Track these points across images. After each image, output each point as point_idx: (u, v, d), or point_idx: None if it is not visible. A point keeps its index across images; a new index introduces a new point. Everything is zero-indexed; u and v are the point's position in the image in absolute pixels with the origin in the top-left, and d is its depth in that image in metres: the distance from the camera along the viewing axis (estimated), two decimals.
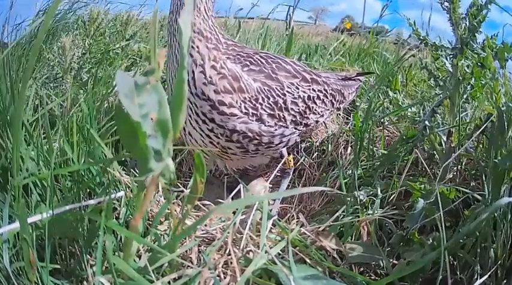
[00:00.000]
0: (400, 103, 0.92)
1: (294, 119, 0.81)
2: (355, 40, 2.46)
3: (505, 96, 0.68)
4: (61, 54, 1.05)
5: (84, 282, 0.52)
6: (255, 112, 0.75)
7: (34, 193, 0.60)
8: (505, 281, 0.55)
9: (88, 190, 0.64)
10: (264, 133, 0.77)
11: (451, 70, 0.74)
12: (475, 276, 0.55)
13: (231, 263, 0.51)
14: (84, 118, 0.72)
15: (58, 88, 1.06)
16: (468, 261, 0.57)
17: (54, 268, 0.52)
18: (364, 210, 0.66)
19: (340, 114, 1.15)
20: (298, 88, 0.81)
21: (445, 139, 0.76)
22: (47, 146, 0.65)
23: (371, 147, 0.90)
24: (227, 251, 0.53)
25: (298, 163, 1.00)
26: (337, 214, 0.66)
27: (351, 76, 1.12)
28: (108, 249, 0.45)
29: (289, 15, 2.23)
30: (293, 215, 0.70)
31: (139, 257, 0.51)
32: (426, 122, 0.76)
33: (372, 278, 0.60)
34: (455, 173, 0.74)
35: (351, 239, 0.64)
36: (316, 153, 1.03)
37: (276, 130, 0.78)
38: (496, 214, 0.55)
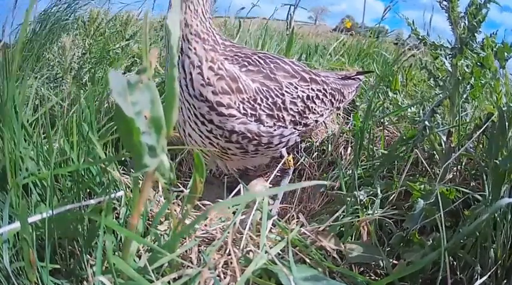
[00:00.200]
0: (400, 103, 0.92)
1: (293, 119, 0.81)
2: (355, 40, 2.45)
3: (505, 96, 0.68)
4: (61, 54, 1.05)
5: (84, 282, 0.52)
6: (254, 112, 0.75)
7: (34, 193, 0.60)
8: (505, 281, 0.55)
9: (88, 190, 0.64)
10: (263, 133, 0.77)
11: (451, 70, 0.74)
12: (475, 276, 0.55)
13: (231, 263, 0.51)
14: (84, 118, 0.72)
15: (58, 88, 1.06)
16: (468, 261, 0.57)
17: (54, 268, 0.52)
18: (364, 210, 0.66)
19: (340, 114, 1.15)
20: (297, 88, 0.81)
21: (445, 139, 0.76)
22: (47, 146, 0.65)
23: (371, 147, 0.90)
24: (227, 251, 0.53)
25: (298, 163, 1.00)
26: (337, 214, 0.66)
27: (350, 75, 1.12)
28: (108, 249, 0.45)
29: (290, 14, 2.23)
30: (293, 215, 0.69)
31: (139, 257, 0.51)
32: (426, 122, 0.76)
33: (372, 278, 0.60)
34: (455, 173, 0.74)
35: (351, 239, 0.64)
36: (316, 153, 1.03)
37: (275, 130, 0.78)
38: (496, 214, 0.55)
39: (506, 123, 0.60)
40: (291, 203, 0.89)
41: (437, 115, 0.78)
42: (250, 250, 0.54)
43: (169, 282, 0.47)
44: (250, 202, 0.61)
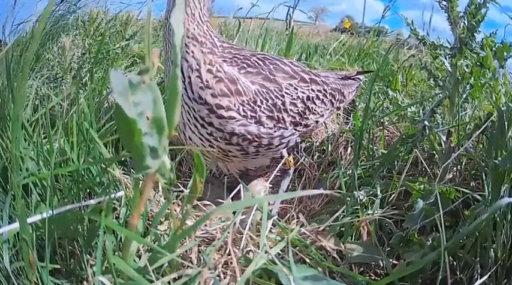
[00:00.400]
0: (400, 103, 0.92)
1: (293, 120, 0.81)
2: (355, 40, 2.46)
3: (505, 96, 0.68)
4: (61, 54, 1.05)
5: (84, 282, 0.52)
6: (254, 114, 0.75)
7: (34, 193, 0.60)
8: (505, 281, 0.55)
9: (88, 190, 0.64)
10: (263, 135, 0.77)
11: (450, 69, 0.74)
12: (475, 276, 0.55)
13: (231, 263, 0.51)
14: (84, 117, 0.72)
15: (58, 88, 1.06)
16: (468, 261, 0.57)
17: (54, 268, 0.52)
18: (364, 210, 0.66)
19: (340, 114, 1.15)
20: (296, 89, 0.81)
21: (444, 139, 0.76)
22: (47, 146, 0.65)
23: (371, 147, 0.90)
24: (227, 251, 0.53)
25: (298, 163, 1.00)
26: (337, 214, 0.66)
27: (350, 75, 1.12)
28: (108, 249, 0.45)
29: (289, 15, 2.23)
30: (293, 215, 0.70)
31: (139, 257, 0.51)
32: (426, 122, 0.76)
33: (372, 278, 0.60)
34: (455, 173, 0.74)
35: (351, 239, 0.64)
36: (316, 153, 1.03)
37: (275, 131, 0.78)
38: (496, 214, 0.55)
39: (506, 123, 0.60)
40: (291, 203, 0.89)
41: (437, 115, 0.78)
42: (250, 250, 0.54)
43: (169, 282, 0.47)
44: None
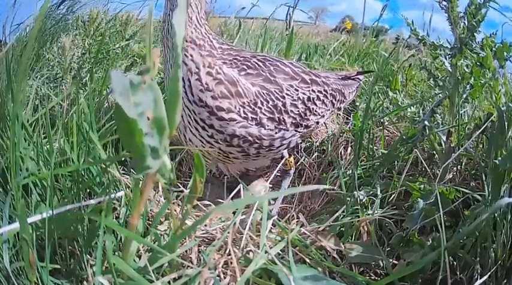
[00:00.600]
0: (399, 103, 0.92)
1: (294, 121, 0.81)
2: (354, 40, 2.45)
3: (505, 96, 0.68)
4: (61, 54, 1.05)
5: (84, 282, 0.52)
6: (254, 116, 0.75)
7: (34, 193, 0.60)
8: (505, 281, 0.55)
9: (88, 190, 0.64)
10: (264, 136, 0.77)
11: (450, 70, 0.74)
12: (475, 276, 0.55)
13: (231, 263, 0.51)
14: (84, 117, 0.72)
15: (58, 88, 1.06)
16: (468, 261, 0.57)
17: (54, 268, 0.52)
18: (364, 210, 0.66)
19: (340, 114, 1.15)
20: (297, 90, 0.81)
21: (444, 139, 0.76)
22: (47, 146, 0.65)
23: (371, 147, 0.90)
24: (227, 251, 0.53)
25: (298, 163, 1.00)
26: (337, 214, 0.66)
27: (350, 75, 1.12)
28: (108, 249, 0.45)
29: (289, 15, 2.23)
30: (293, 215, 0.70)
31: (139, 257, 0.51)
32: (426, 122, 0.76)
33: (372, 278, 0.60)
34: (455, 173, 0.74)
35: (351, 239, 0.64)
36: (316, 153, 1.03)
37: (276, 133, 0.78)
38: (496, 214, 0.55)
39: (506, 123, 0.60)
40: (291, 203, 0.89)
41: (437, 115, 0.78)
42: (250, 250, 0.54)
43: (169, 282, 0.47)
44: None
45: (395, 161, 0.82)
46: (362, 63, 1.95)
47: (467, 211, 0.61)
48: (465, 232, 0.55)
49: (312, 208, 0.87)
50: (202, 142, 0.76)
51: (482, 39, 0.70)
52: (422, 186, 0.66)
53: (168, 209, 0.55)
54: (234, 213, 0.60)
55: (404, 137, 0.83)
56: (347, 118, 1.13)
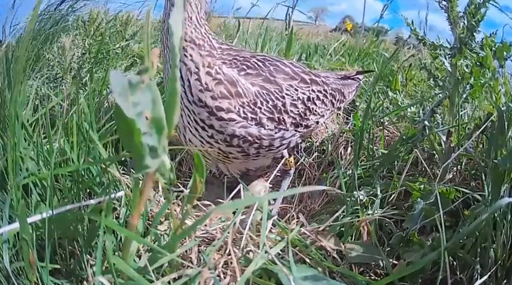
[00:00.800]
0: (399, 103, 0.92)
1: (294, 121, 0.81)
2: (354, 40, 2.46)
3: (505, 96, 0.68)
4: (61, 54, 1.05)
5: (84, 282, 0.52)
6: (254, 116, 0.75)
7: (34, 193, 0.60)
8: (505, 281, 0.55)
9: (88, 190, 0.64)
10: (264, 136, 0.77)
11: (450, 69, 0.74)
12: (475, 276, 0.55)
13: (231, 263, 0.51)
14: (84, 117, 0.72)
15: (58, 88, 1.06)
16: (468, 261, 0.57)
17: (54, 268, 0.52)
18: (364, 210, 0.66)
19: (340, 114, 1.15)
20: (297, 90, 0.81)
21: (444, 139, 0.76)
22: (47, 146, 0.65)
23: (371, 147, 0.90)
24: (227, 251, 0.53)
25: (298, 163, 1.00)
26: (337, 214, 0.66)
27: (350, 75, 1.12)
28: (108, 249, 0.45)
29: (289, 15, 2.23)
30: (293, 215, 0.70)
31: (139, 257, 0.51)
32: (426, 122, 0.76)
33: (372, 278, 0.60)
34: (455, 173, 0.74)
35: (351, 239, 0.64)
36: (316, 153, 1.03)
37: (276, 133, 0.78)
38: (496, 214, 0.55)
39: (506, 123, 0.60)
40: (291, 203, 0.89)
41: (437, 115, 0.78)
42: (250, 250, 0.54)
43: (169, 282, 0.47)
44: None
45: (395, 161, 0.82)
46: (362, 63, 1.95)
47: (467, 211, 0.61)
48: (465, 232, 0.55)
49: (312, 208, 0.87)
50: (202, 142, 0.76)
51: (482, 39, 0.70)
52: (422, 186, 0.66)
53: (168, 209, 0.55)
54: (234, 213, 0.60)
55: (404, 137, 0.83)
56: (347, 118, 1.13)
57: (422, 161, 0.76)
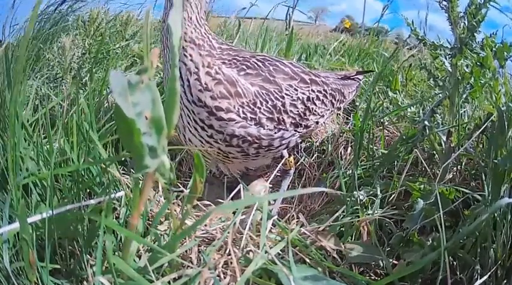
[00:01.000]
0: (400, 103, 0.92)
1: (293, 121, 0.81)
2: (355, 40, 2.46)
3: (505, 96, 0.68)
4: (61, 54, 1.05)
5: (84, 282, 0.52)
6: (254, 116, 0.75)
7: (34, 193, 0.60)
8: (505, 281, 0.55)
9: (88, 190, 0.64)
10: (263, 136, 0.77)
11: (450, 70, 0.74)
12: (475, 276, 0.55)
13: (231, 263, 0.51)
14: (84, 117, 0.72)
15: (58, 88, 1.06)
16: (468, 261, 0.57)
17: (54, 268, 0.52)
18: (364, 210, 0.66)
19: (340, 114, 1.15)
20: (296, 90, 0.81)
21: (444, 139, 0.76)
22: (47, 146, 0.65)
23: (371, 147, 0.90)
24: (227, 251, 0.53)
25: (298, 163, 1.00)
26: (337, 214, 0.66)
27: (350, 75, 1.12)
28: (108, 249, 0.45)
29: (289, 15, 2.23)
30: (293, 215, 0.69)
31: (139, 257, 0.51)
32: (426, 122, 0.76)
33: (372, 278, 0.60)
34: (455, 173, 0.74)
35: (351, 239, 0.64)
36: (316, 153, 1.03)
37: (275, 133, 0.78)
38: (496, 214, 0.55)
39: (506, 123, 0.60)
40: (291, 203, 0.89)
41: (437, 115, 0.78)
42: (250, 250, 0.54)
43: (169, 282, 0.47)
44: None
45: (395, 161, 0.82)
46: (362, 63, 1.95)
47: (467, 211, 0.61)
48: (465, 232, 0.55)
49: (312, 208, 0.87)
50: (202, 142, 0.76)
51: (483, 39, 0.70)
52: (422, 186, 0.66)
53: (168, 209, 0.55)
54: (234, 213, 0.60)
55: (404, 137, 0.83)
56: (347, 118, 1.13)
57: (423, 161, 0.76)
